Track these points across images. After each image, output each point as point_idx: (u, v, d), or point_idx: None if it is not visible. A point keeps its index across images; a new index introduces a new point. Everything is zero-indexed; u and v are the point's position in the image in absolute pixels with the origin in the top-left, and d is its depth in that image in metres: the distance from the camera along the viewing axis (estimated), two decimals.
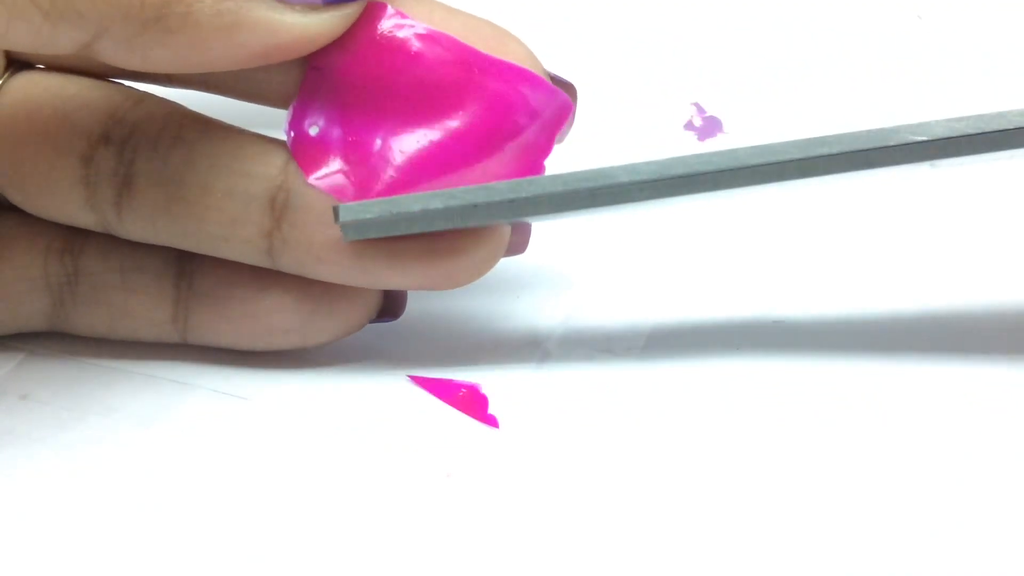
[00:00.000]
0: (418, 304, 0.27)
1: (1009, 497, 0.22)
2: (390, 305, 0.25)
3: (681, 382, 0.25)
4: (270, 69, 0.23)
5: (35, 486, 0.23)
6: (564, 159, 0.32)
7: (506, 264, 0.28)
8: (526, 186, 0.22)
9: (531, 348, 0.26)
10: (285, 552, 0.22)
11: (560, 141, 0.25)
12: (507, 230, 0.24)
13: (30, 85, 0.24)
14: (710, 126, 0.33)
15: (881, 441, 0.24)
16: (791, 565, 0.21)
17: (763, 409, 0.24)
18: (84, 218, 0.24)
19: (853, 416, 0.24)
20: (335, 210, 0.22)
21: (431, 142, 0.23)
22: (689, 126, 0.33)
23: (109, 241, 0.25)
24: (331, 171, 0.23)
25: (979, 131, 0.22)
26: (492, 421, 0.24)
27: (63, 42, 0.20)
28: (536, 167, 0.24)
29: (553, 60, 0.30)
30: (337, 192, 0.23)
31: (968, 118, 0.22)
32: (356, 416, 0.24)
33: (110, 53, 0.21)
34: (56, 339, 0.26)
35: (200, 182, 0.23)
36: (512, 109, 0.23)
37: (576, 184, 0.22)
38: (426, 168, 0.23)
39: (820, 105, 0.33)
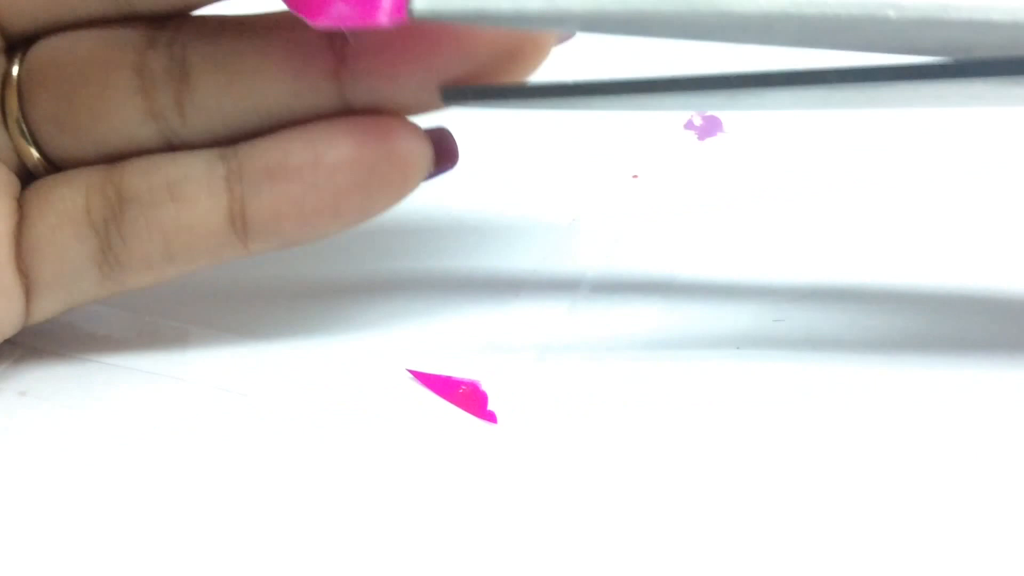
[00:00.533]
0: (419, 302, 0.27)
1: (1009, 497, 0.22)
2: (444, 154, 0.25)
3: (681, 379, 0.25)
4: None
5: (34, 483, 0.23)
6: (569, 153, 0.32)
7: (507, 261, 0.28)
8: None
9: (531, 345, 0.26)
10: (284, 549, 0.22)
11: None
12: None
13: (57, 38, 0.24)
14: (710, 125, 0.33)
15: (883, 439, 0.24)
16: (791, 565, 0.21)
17: (764, 406, 0.24)
18: (146, 131, 0.24)
19: (855, 413, 0.24)
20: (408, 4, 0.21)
21: None
22: (689, 125, 0.33)
23: (148, 161, 0.24)
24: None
25: (961, 19, 0.21)
26: (491, 418, 0.24)
27: None
28: None
29: (553, 60, 0.30)
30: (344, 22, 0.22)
31: (952, 4, 0.21)
32: (355, 412, 0.24)
33: None
34: (54, 334, 0.26)
35: (257, 48, 0.23)
36: None
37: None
38: None
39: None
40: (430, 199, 0.26)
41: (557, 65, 0.25)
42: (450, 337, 0.26)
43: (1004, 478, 0.23)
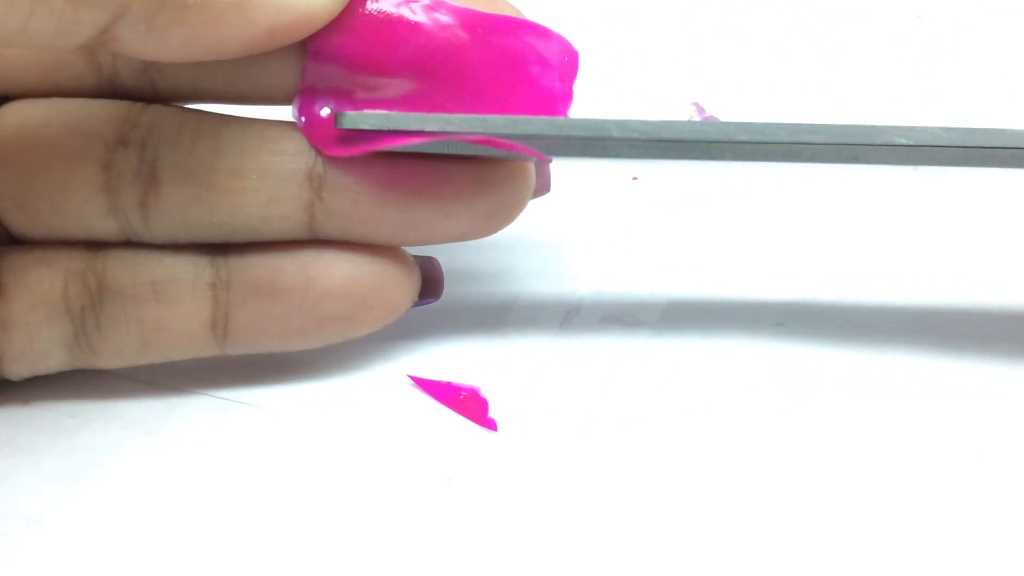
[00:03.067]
0: (419, 309, 0.27)
1: (1009, 497, 0.22)
2: (430, 286, 0.25)
3: (681, 389, 0.25)
4: (270, 61, 0.23)
5: (37, 493, 0.23)
6: (564, 161, 0.32)
7: (506, 268, 0.28)
8: (523, 123, 0.22)
9: (531, 352, 0.26)
10: (287, 557, 0.22)
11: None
12: (531, 168, 0.24)
13: (28, 108, 0.24)
14: None
15: (884, 443, 0.24)
16: (791, 564, 0.21)
17: (764, 415, 0.24)
18: (105, 227, 0.24)
19: (855, 420, 0.24)
20: (336, 116, 0.22)
21: (447, 107, 0.23)
22: None
23: (134, 256, 0.24)
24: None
25: (965, 144, 0.23)
26: (492, 425, 0.24)
27: (84, 27, 0.20)
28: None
29: None
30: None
31: (957, 130, 0.23)
32: (357, 419, 0.24)
33: (127, 37, 0.21)
34: None
35: (232, 167, 0.23)
36: (524, 61, 0.23)
37: (569, 130, 0.23)
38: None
39: (820, 104, 0.33)
40: None
41: None
42: (451, 343, 0.26)
43: (1005, 477, 0.23)
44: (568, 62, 0.24)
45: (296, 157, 0.23)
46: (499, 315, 0.27)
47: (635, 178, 0.31)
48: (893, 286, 0.28)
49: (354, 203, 0.23)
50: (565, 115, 0.24)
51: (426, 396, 0.25)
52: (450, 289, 0.27)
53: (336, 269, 0.24)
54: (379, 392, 0.25)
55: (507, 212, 0.24)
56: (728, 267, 0.28)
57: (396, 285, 0.24)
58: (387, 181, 0.23)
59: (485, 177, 0.24)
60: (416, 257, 0.25)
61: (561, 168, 0.31)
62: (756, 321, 0.27)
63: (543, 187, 0.25)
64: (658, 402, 0.25)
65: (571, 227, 0.30)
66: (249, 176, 0.23)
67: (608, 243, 0.29)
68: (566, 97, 0.24)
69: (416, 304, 0.25)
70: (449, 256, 0.28)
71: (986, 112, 0.32)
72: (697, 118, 0.33)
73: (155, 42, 0.21)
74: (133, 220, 0.23)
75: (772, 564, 0.21)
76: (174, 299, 0.24)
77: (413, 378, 0.25)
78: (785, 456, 0.23)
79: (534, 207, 0.30)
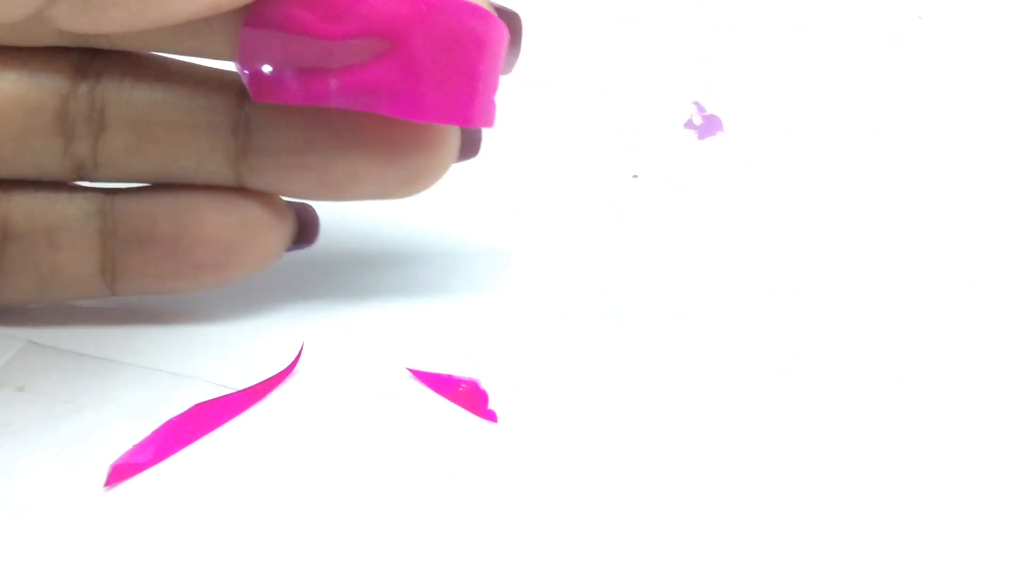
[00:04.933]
0: (419, 298, 0.27)
1: (1009, 497, 0.22)
2: (304, 231, 0.26)
3: (683, 380, 0.25)
4: (215, 22, 0.23)
5: (31, 479, 0.23)
6: (569, 153, 0.32)
7: (506, 262, 0.28)
8: None
9: (531, 343, 0.26)
10: (284, 548, 0.21)
11: (506, 73, 0.25)
12: (454, 131, 0.25)
13: None
14: (710, 125, 0.33)
15: (883, 447, 0.24)
16: (788, 559, 0.21)
17: (764, 410, 0.24)
18: (62, 167, 0.25)
19: (853, 420, 0.24)
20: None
21: (384, 78, 0.23)
22: (689, 125, 0.33)
23: (31, 201, 0.25)
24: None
25: None
26: (492, 416, 0.24)
27: (19, 8, 0.20)
28: (487, 103, 0.24)
29: (553, 58, 0.30)
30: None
31: None
32: (356, 411, 0.24)
33: (64, 15, 0.21)
34: (54, 329, 0.26)
35: (167, 119, 0.24)
36: (461, 42, 0.23)
37: None
38: (379, 102, 0.23)
39: (820, 104, 0.33)
40: (431, 198, 0.26)
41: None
42: (451, 334, 0.26)
43: (1005, 478, 0.23)
44: (500, 44, 0.24)
45: (227, 112, 0.24)
46: (499, 308, 0.27)
47: (635, 176, 0.31)
48: (893, 286, 0.28)
49: (276, 160, 0.25)
50: (493, 102, 0.24)
51: (426, 388, 0.25)
52: (449, 282, 0.27)
53: (206, 218, 0.25)
54: (378, 384, 0.25)
55: (426, 176, 0.25)
56: (728, 265, 0.28)
57: (268, 231, 0.25)
58: (307, 140, 0.24)
59: (406, 139, 0.25)
60: (291, 203, 0.26)
61: (561, 166, 0.31)
62: (756, 318, 0.27)
63: (470, 149, 0.26)
64: (657, 397, 0.25)
65: (571, 224, 0.30)
66: (182, 130, 0.24)
67: (607, 239, 0.29)
68: (494, 83, 0.24)
69: (290, 249, 0.26)
70: (449, 252, 0.28)
71: (986, 112, 0.32)
72: (698, 117, 0.33)
73: (94, 21, 0.21)
74: (87, 163, 0.25)
75: (769, 559, 0.21)
76: (66, 246, 0.25)
77: (412, 370, 0.25)
78: (783, 453, 0.23)
79: (535, 204, 0.30)
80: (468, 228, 0.29)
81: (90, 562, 0.21)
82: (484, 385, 0.25)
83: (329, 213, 0.27)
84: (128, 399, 0.24)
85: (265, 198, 0.25)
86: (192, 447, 0.23)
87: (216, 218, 0.25)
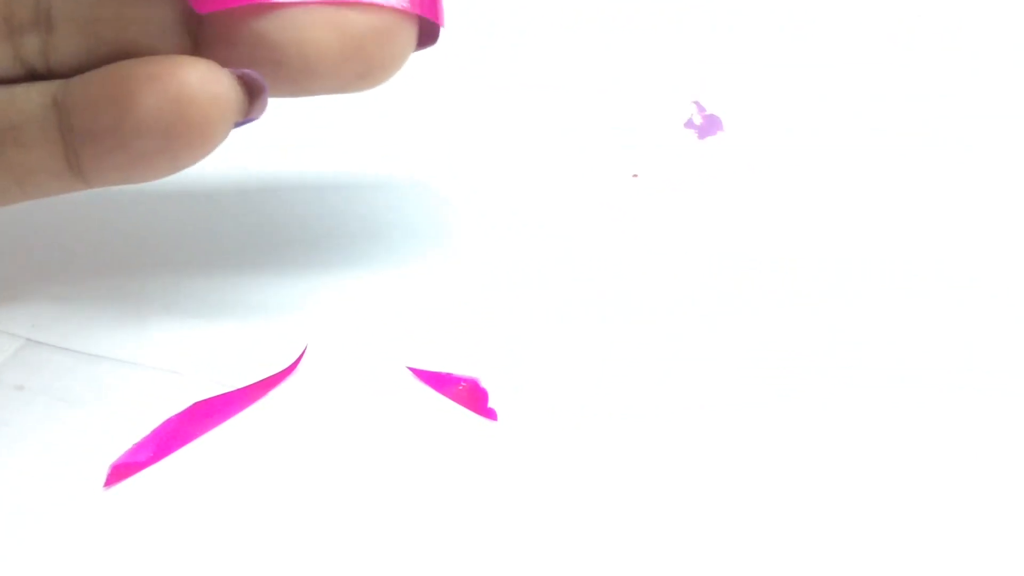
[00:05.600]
0: (419, 296, 0.27)
1: (1009, 497, 0.22)
2: (253, 104, 0.25)
3: (683, 380, 0.25)
4: None
5: (31, 478, 0.23)
6: (569, 153, 0.32)
7: (506, 261, 0.28)
8: None
9: (531, 343, 0.26)
10: (282, 545, 0.21)
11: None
12: (412, 20, 0.24)
13: None
14: (710, 124, 0.33)
15: (883, 449, 0.24)
16: (787, 557, 0.21)
17: (763, 409, 0.24)
18: (14, 69, 0.24)
19: (854, 420, 0.24)
20: None
21: None
22: (689, 124, 0.33)
23: None
24: None
25: None
26: (492, 415, 0.24)
27: None
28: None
29: (554, 58, 0.30)
30: None
31: None
32: (355, 409, 0.24)
33: None
34: (53, 328, 0.26)
35: (113, 16, 0.24)
36: None
37: None
38: None
39: (820, 104, 0.33)
40: (430, 194, 0.26)
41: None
42: (451, 333, 0.26)
43: (1005, 477, 0.23)
44: None
45: (173, 8, 0.24)
46: (499, 308, 0.27)
47: (635, 175, 0.31)
48: (893, 286, 0.28)
49: (229, 56, 0.24)
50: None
51: (425, 387, 0.25)
52: (449, 282, 0.27)
53: (142, 102, 0.24)
54: (378, 383, 0.25)
55: (384, 67, 0.25)
56: (728, 265, 0.28)
57: (208, 108, 0.24)
58: (260, 35, 0.24)
59: (362, 30, 0.24)
60: (237, 73, 0.25)
61: (561, 166, 0.31)
62: (756, 318, 0.27)
63: (428, 39, 0.25)
64: (657, 397, 0.25)
65: (571, 224, 0.30)
66: (129, 28, 0.24)
67: (607, 239, 0.29)
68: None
69: (239, 124, 0.25)
70: (449, 251, 0.28)
71: (986, 112, 0.32)
72: (698, 117, 0.33)
73: None
74: (38, 64, 0.24)
75: (769, 559, 0.21)
76: (31, 143, 0.25)
77: (412, 369, 0.25)
78: (783, 453, 0.23)
79: (536, 203, 0.30)
80: (468, 228, 0.29)
81: (90, 562, 0.21)
82: (484, 384, 0.25)
83: (329, 214, 0.27)
84: (128, 398, 0.24)
85: (207, 74, 0.24)
86: (191, 446, 0.23)
87: (152, 101, 0.24)
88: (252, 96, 0.25)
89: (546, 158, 0.32)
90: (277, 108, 0.25)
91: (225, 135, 0.24)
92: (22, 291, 0.27)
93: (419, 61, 0.30)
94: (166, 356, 0.25)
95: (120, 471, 0.23)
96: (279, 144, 0.30)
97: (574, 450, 0.23)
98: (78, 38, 0.24)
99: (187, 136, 0.24)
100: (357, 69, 0.24)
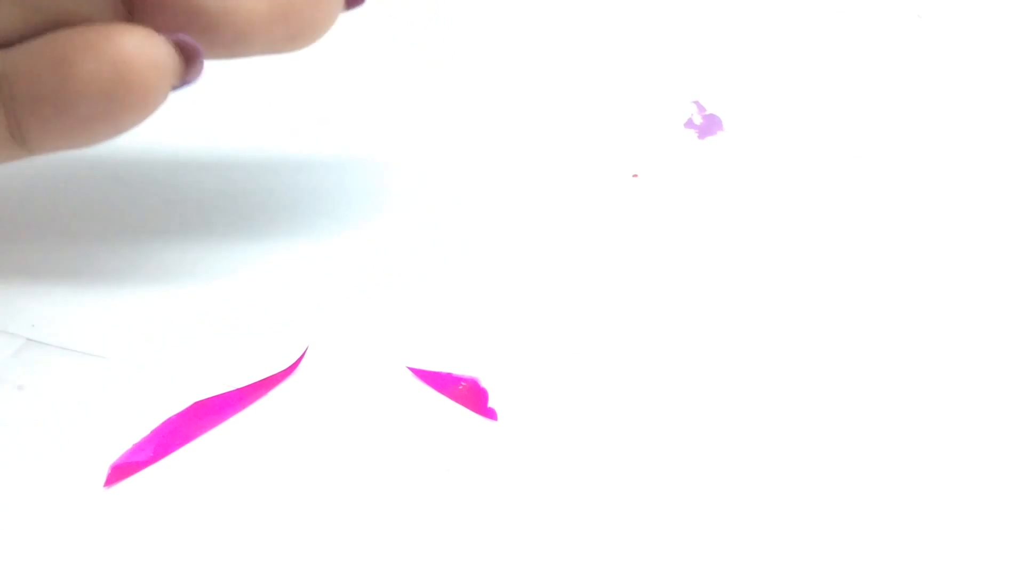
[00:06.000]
0: (419, 297, 0.27)
1: (1009, 497, 0.22)
2: (190, 69, 0.25)
3: (683, 380, 0.25)
4: None
5: (31, 478, 0.23)
6: (569, 153, 0.32)
7: (506, 261, 0.28)
8: None
9: (531, 343, 0.26)
10: (282, 545, 0.21)
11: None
12: None
13: None
14: (710, 124, 0.33)
15: (882, 450, 0.24)
16: (786, 556, 0.21)
17: (763, 409, 0.24)
18: None
19: (854, 418, 0.24)
20: None
21: None
22: (689, 124, 0.33)
23: None
24: None
25: None
26: (492, 414, 0.24)
27: None
28: None
29: (554, 58, 0.30)
30: None
31: None
32: (356, 408, 0.24)
33: None
34: (54, 329, 0.26)
35: None
36: None
37: None
38: None
39: (820, 104, 0.33)
40: (430, 195, 0.26)
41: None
42: (451, 333, 0.26)
43: (1005, 477, 0.23)
44: None
45: None
46: (499, 308, 0.27)
47: (635, 175, 0.31)
48: (893, 285, 0.28)
49: (163, 21, 0.24)
50: None
51: (426, 386, 0.25)
52: (449, 282, 0.27)
53: (83, 67, 0.24)
54: (379, 382, 0.25)
55: (313, 28, 0.25)
56: (728, 265, 0.28)
57: (150, 73, 0.25)
58: (186, 3, 0.24)
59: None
60: (172, 39, 0.25)
61: (561, 166, 0.31)
62: (756, 318, 0.27)
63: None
64: (657, 397, 0.25)
65: (571, 223, 0.30)
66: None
67: (607, 239, 0.29)
68: None
69: (176, 88, 0.25)
70: (449, 251, 0.28)
71: (986, 112, 0.32)
72: (698, 116, 0.33)
73: None
74: None
75: (769, 558, 0.21)
76: None
77: (412, 369, 0.25)
78: (782, 453, 0.23)
79: (536, 202, 0.30)
80: (468, 228, 0.29)
81: (90, 562, 0.21)
82: (484, 383, 0.25)
83: (329, 213, 0.27)
84: (127, 398, 0.24)
85: (141, 40, 0.24)
86: (191, 446, 0.23)
87: (91, 67, 0.24)
88: (188, 60, 0.25)
89: (546, 158, 0.32)
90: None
91: (164, 98, 0.25)
92: (22, 291, 0.27)
93: (421, 61, 0.30)
94: (166, 356, 0.25)
95: (120, 471, 0.23)
96: (280, 144, 0.30)
97: (574, 450, 0.23)
98: (16, 9, 0.24)
99: (127, 99, 0.25)
100: (287, 31, 0.25)
